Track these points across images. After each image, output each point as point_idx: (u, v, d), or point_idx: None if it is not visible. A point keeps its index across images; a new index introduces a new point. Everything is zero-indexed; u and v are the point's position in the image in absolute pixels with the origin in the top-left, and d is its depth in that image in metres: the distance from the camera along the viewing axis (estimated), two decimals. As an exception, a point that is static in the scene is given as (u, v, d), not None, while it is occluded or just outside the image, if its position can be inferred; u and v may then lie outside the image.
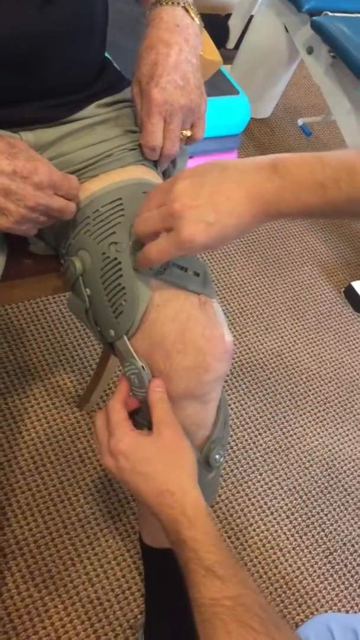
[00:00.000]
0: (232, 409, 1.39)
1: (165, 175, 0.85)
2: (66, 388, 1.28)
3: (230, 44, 2.30)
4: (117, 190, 0.73)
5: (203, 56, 0.80)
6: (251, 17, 2.15)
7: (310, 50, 1.85)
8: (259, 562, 1.19)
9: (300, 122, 2.07)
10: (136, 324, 0.69)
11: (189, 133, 0.78)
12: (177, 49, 0.73)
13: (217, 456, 0.75)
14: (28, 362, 1.29)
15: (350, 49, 1.66)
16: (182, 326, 0.68)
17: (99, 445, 0.70)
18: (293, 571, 1.20)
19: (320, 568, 1.22)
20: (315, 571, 1.21)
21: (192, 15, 0.76)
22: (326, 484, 1.35)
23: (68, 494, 1.14)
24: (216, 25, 2.28)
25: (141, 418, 0.74)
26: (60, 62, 0.72)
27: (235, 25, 2.24)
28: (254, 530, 1.23)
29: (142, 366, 0.69)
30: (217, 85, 1.81)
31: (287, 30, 1.97)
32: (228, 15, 2.28)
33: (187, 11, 0.76)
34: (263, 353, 1.53)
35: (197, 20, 0.77)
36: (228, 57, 2.24)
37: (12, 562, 1.04)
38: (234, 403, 1.41)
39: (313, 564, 1.22)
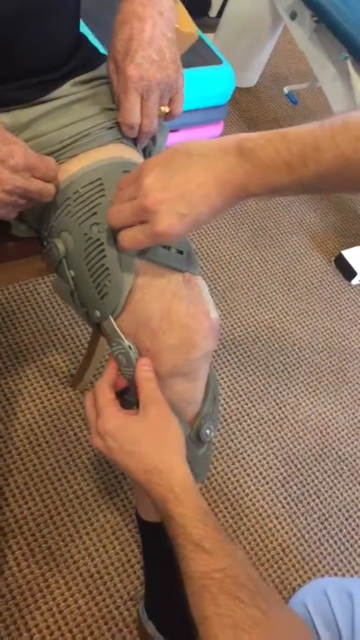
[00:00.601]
0: (224, 382, 1.40)
1: (145, 152, 0.84)
2: (59, 368, 1.28)
3: (213, 12, 2.26)
4: (97, 170, 0.72)
5: (178, 29, 0.79)
6: (233, -17, 2.11)
7: (293, 16, 1.82)
8: (256, 531, 1.21)
9: (286, 90, 2.05)
10: (121, 305, 0.69)
11: (167, 109, 0.77)
12: (151, 23, 0.72)
13: (207, 431, 0.76)
14: (20, 343, 1.29)
15: (333, 12, 1.64)
16: (167, 305, 0.68)
17: (89, 425, 0.71)
18: (289, 538, 1.22)
19: (316, 534, 1.25)
20: (311, 537, 1.24)
21: None
22: (320, 452, 1.37)
23: (65, 472, 1.16)
24: (198, -7, 2.24)
25: (130, 396, 0.74)
26: (31, 41, 0.71)
27: (217, -7, 2.20)
28: (250, 500, 1.25)
29: (129, 345, 0.70)
30: (200, 55, 1.78)
31: (269, -4, 1.93)
32: (210, -18, 2.24)
33: None
34: (254, 325, 1.54)
35: None
36: (211, 25, 2.21)
37: (12, 541, 1.06)
38: (227, 376, 1.42)
39: (309, 530, 1.25)
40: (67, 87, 0.77)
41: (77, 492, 1.14)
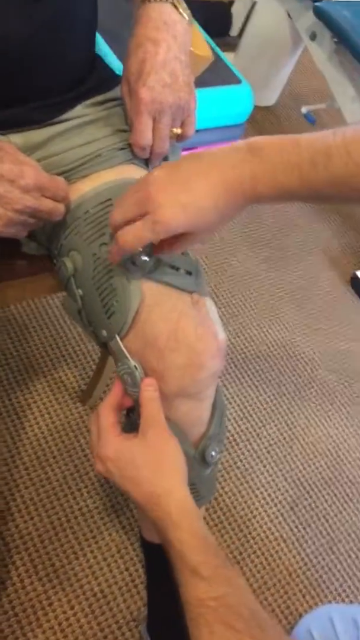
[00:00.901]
0: (235, 401, 1.40)
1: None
2: (69, 383, 1.29)
3: (234, 32, 2.27)
4: (107, 191, 0.73)
5: (193, 52, 0.80)
6: (254, 3, 2.12)
7: (313, 37, 1.83)
8: (262, 554, 1.20)
9: (304, 110, 2.05)
10: (128, 324, 0.69)
11: (179, 131, 0.77)
12: (165, 46, 0.73)
13: (213, 452, 0.75)
14: (31, 357, 1.30)
15: (353, 34, 1.64)
16: (174, 325, 0.68)
17: (91, 449, 0.71)
18: (297, 562, 1.21)
19: (324, 559, 1.23)
20: (319, 562, 1.22)
21: (181, 11, 0.76)
22: (330, 475, 1.35)
23: (71, 488, 1.15)
24: (219, 13, 2.26)
25: (136, 417, 0.74)
26: (45, 64, 0.72)
27: (238, 12, 2.21)
28: (257, 522, 1.23)
29: (135, 365, 0.69)
30: (219, 74, 1.79)
31: (290, 17, 1.94)
32: (231, 3, 2.25)
33: (176, 7, 0.75)
34: (267, 344, 1.53)
35: (185, 16, 0.76)
36: (232, 44, 2.22)
37: (16, 557, 1.06)
38: (237, 395, 1.41)
39: (317, 555, 1.23)
40: (80, 109, 0.78)
41: (82, 509, 1.14)
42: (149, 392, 0.69)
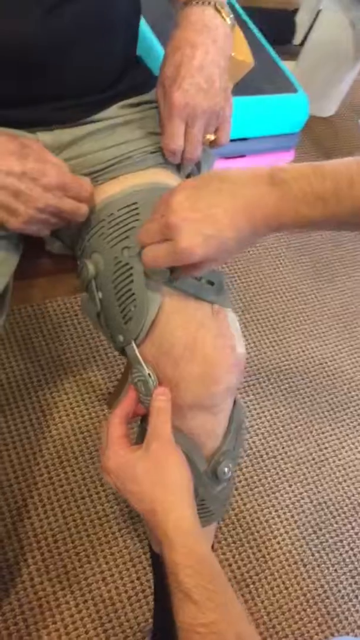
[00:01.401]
0: (265, 415, 1.36)
1: (189, 178, 0.83)
2: (97, 384, 1.28)
3: (297, 40, 2.24)
4: (134, 194, 0.72)
5: (233, 57, 0.77)
6: (318, 12, 2.08)
7: (376, 47, 1.78)
8: (280, 577, 1.16)
9: (362, 121, 2.00)
10: (145, 331, 0.68)
11: (212, 137, 0.75)
12: (203, 50, 0.71)
13: (225, 469, 0.73)
14: (62, 356, 1.30)
15: None
16: (192, 335, 0.67)
17: (100, 459, 0.70)
18: (316, 589, 1.16)
19: (345, 588, 1.18)
20: (339, 591, 1.17)
21: (224, 15, 0.74)
22: (359, 501, 1.30)
23: (90, 490, 1.15)
24: (283, 21, 2.23)
25: (147, 425, 0.73)
26: (78, 63, 0.71)
27: (302, 21, 2.18)
28: (278, 542, 1.20)
29: (149, 374, 0.68)
30: (276, 82, 1.76)
31: (353, 26, 1.89)
32: (296, 11, 2.22)
33: (219, 11, 0.73)
34: (303, 359, 1.49)
35: (228, 20, 0.74)
36: (294, 53, 2.19)
37: (28, 554, 1.06)
38: (268, 410, 1.37)
39: (338, 584, 1.18)
40: (114, 109, 0.77)
41: (99, 512, 1.13)
42: (159, 401, 0.67)
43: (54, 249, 0.80)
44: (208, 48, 0.71)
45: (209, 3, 0.73)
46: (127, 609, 1.05)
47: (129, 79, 0.79)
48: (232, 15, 0.75)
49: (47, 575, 1.05)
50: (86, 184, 0.69)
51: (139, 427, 0.79)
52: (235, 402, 0.76)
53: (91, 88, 0.75)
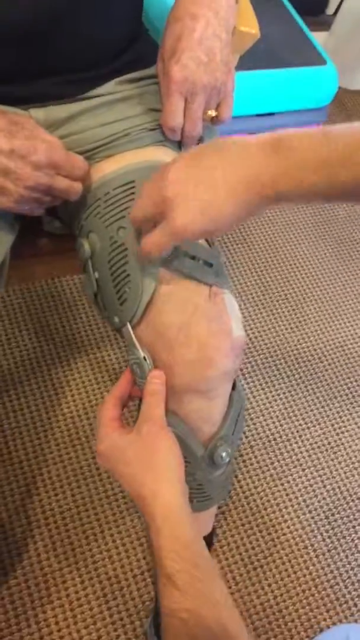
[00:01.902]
0: (281, 397, 1.34)
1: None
2: (110, 364, 1.28)
3: (330, 10, 2.15)
4: (131, 173, 0.70)
5: (237, 28, 0.74)
6: (353, -21, 2.00)
7: None
8: (289, 561, 1.15)
9: (395, 95, 1.92)
10: (139, 313, 0.67)
11: (214, 113, 0.72)
12: (204, 22, 0.68)
13: (223, 454, 0.72)
14: (75, 334, 1.30)
15: None
16: (187, 318, 0.65)
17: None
18: (325, 574, 1.15)
19: (355, 575, 1.16)
20: (349, 577, 1.15)
21: None
22: (375, 488, 1.28)
23: (99, 469, 1.15)
24: (316, -11, 2.15)
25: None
26: (72, 38, 0.69)
27: (336, -11, 2.09)
28: (288, 527, 1.18)
29: (144, 357, 0.67)
30: (304, 54, 1.70)
31: (388, -6, 1.81)
32: (330, -22, 2.13)
33: None
34: (323, 342, 1.46)
35: None
36: (327, 23, 2.11)
37: (36, 531, 1.07)
38: (284, 393, 1.35)
39: (348, 570, 1.16)
40: (111, 85, 0.75)
41: (108, 491, 1.13)
42: (153, 384, 0.66)
43: (52, 228, 0.79)
44: (209, 20, 0.68)
45: None
46: (132, 587, 1.05)
47: (130, 53, 0.77)
48: (238, -15, 0.72)
49: (53, 552, 1.06)
50: (80, 162, 0.67)
51: (137, 410, 0.78)
52: (235, 386, 0.75)
53: (87, 63, 0.72)
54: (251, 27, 0.76)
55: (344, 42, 2.00)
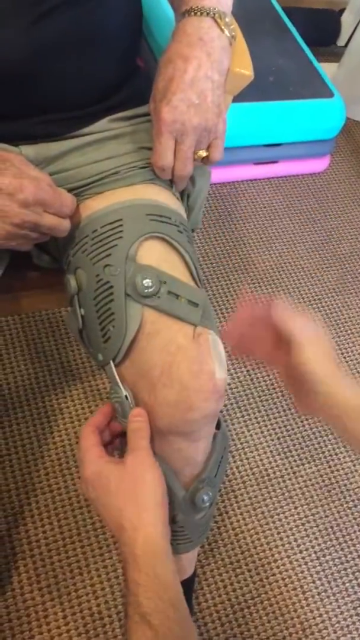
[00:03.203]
0: (276, 432, 1.32)
1: (184, 194, 0.80)
2: (105, 393, 1.27)
3: (342, 41, 2.17)
4: (119, 211, 0.70)
5: (232, 69, 0.74)
6: (365, 13, 2.01)
7: None
8: (277, 602, 1.12)
9: None
10: (122, 352, 0.66)
11: (204, 153, 0.72)
12: (196, 64, 0.68)
13: (204, 497, 0.70)
14: (72, 362, 1.29)
15: None
16: (169, 358, 0.64)
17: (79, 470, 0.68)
18: (314, 618, 1.12)
19: (345, 619, 1.13)
20: (339, 622, 1.13)
21: (222, 27, 0.70)
22: (369, 528, 1.25)
23: (87, 500, 1.14)
24: (328, 21, 2.16)
25: (123, 446, 0.71)
26: (61, 78, 0.69)
27: (347, 21, 2.11)
28: (278, 567, 1.16)
29: (126, 395, 0.66)
30: (312, 86, 1.71)
31: None
32: (342, 11, 2.15)
33: (217, 23, 0.70)
34: (322, 377, 1.44)
35: (227, 32, 0.71)
36: (338, 54, 2.12)
37: (20, 562, 1.06)
38: (279, 427, 1.33)
39: (338, 614, 1.13)
40: (104, 123, 0.75)
41: (95, 523, 1.12)
42: (135, 423, 0.66)
43: (41, 262, 0.79)
44: (201, 62, 0.68)
45: (207, 14, 0.70)
46: (115, 625, 1.03)
47: (124, 91, 0.77)
48: (232, 27, 0.72)
49: (37, 585, 1.04)
50: (68, 199, 0.67)
51: (120, 441, 0.77)
52: (219, 426, 0.73)
53: (78, 102, 0.73)
54: (246, 69, 0.75)
55: (354, 73, 2.00)
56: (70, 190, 0.71)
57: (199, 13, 0.70)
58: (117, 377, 0.67)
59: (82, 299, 0.70)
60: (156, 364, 0.65)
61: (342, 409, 0.62)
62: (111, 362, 0.67)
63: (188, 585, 0.92)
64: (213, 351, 0.67)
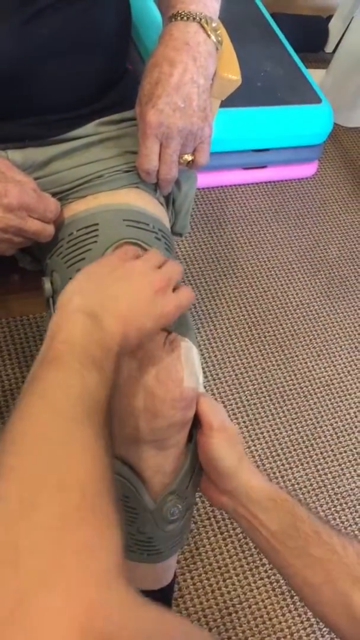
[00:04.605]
0: (264, 436, 1.32)
1: (168, 198, 0.80)
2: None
3: (329, 47, 2.18)
4: (97, 215, 0.69)
5: (219, 74, 0.74)
6: (352, 19, 2.02)
7: None
8: (265, 607, 1.12)
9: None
10: None
11: (190, 157, 0.72)
12: (182, 68, 0.68)
13: (172, 510, 0.68)
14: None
15: None
16: (137, 365, 0.63)
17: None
18: (302, 622, 1.12)
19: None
20: (326, 627, 1.12)
21: (208, 32, 0.70)
22: (357, 532, 1.25)
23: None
24: (316, 28, 2.18)
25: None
26: (51, 80, 0.69)
27: (335, 28, 2.12)
28: (266, 571, 1.16)
29: None
30: (299, 92, 1.72)
31: (386, 35, 1.83)
32: (330, 17, 2.16)
33: (204, 28, 0.70)
34: (310, 380, 1.44)
35: (213, 37, 0.71)
36: (326, 61, 2.13)
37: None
38: (268, 431, 1.33)
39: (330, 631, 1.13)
40: (91, 127, 0.75)
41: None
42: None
43: (25, 264, 0.79)
44: (187, 66, 0.68)
45: (194, 19, 0.70)
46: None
47: (112, 95, 0.77)
48: (219, 32, 0.72)
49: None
50: (52, 204, 0.67)
51: None
52: (192, 438, 0.72)
53: (67, 104, 0.73)
54: (233, 73, 0.76)
55: (342, 80, 2.02)
56: (54, 195, 0.71)
57: (185, 18, 0.70)
58: None
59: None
60: (123, 371, 0.64)
61: (243, 489, 0.66)
62: None
63: (166, 593, 0.90)
64: (184, 359, 0.65)
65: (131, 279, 0.59)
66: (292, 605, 1.13)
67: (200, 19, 0.70)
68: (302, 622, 1.12)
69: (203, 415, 0.67)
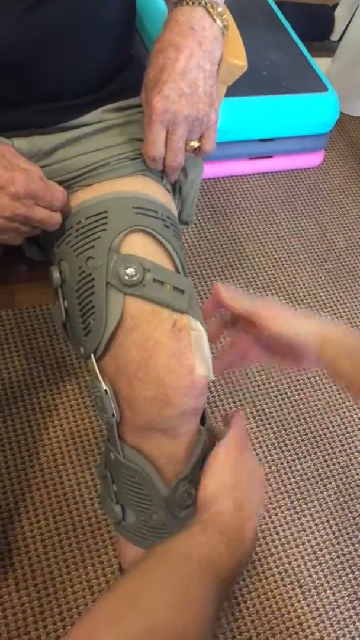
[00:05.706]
0: (272, 427, 1.32)
1: (175, 186, 0.80)
2: (99, 388, 1.26)
3: (335, 36, 2.17)
4: (105, 203, 0.69)
5: (225, 59, 0.73)
6: (358, 7, 2.00)
7: None
8: (274, 597, 1.12)
9: None
10: (102, 346, 0.65)
11: (196, 144, 0.72)
12: (188, 53, 0.67)
13: (185, 495, 0.69)
14: (66, 357, 1.29)
15: None
16: (147, 354, 0.63)
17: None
18: (310, 612, 1.12)
19: (342, 613, 1.13)
20: (336, 615, 1.13)
21: (214, 16, 0.70)
22: (365, 522, 1.25)
23: (83, 496, 1.13)
24: (322, 16, 2.16)
25: (110, 444, 0.70)
26: (54, 67, 0.69)
27: (341, 16, 2.11)
28: (274, 561, 1.16)
29: (106, 390, 0.65)
30: (306, 81, 1.71)
31: (392, 23, 1.81)
32: (335, 6, 2.15)
33: (209, 12, 0.70)
34: (317, 371, 1.44)
35: (219, 22, 0.70)
36: (332, 49, 2.12)
37: (16, 558, 1.05)
38: (275, 422, 1.33)
39: (334, 608, 1.13)
40: (97, 114, 0.74)
41: (91, 519, 1.11)
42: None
43: (32, 254, 0.79)
44: (193, 51, 0.67)
45: (199, 3, 0.69)
46: (111, 620, 1.03)
47: (117, 82, 0.76)
48: (225, 16, 0.71)
49: (32, 581, 1.04)
50: (59, 192, 0.66)
51: (105, 455, 0.75)
52: (204, 423, 0.72)
53: (72, 92, 0.72)
54: (239, 59, 0.75)
55: (348, 69, 2.00)
56: (61, 183, 0.71)
57: (190, 3, 0.69)
58: (97, 371, 0.66)
59: (65, 291, 0.70)
60: (133, 359, 0.63)
61: (339, 349, 0.65)
62: (92, 355, 0.66)
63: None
64: (195, 346, 0.65)
65: None
66: (300, 595, 1.13)
67: (206, 4, 0.69)
68: (310, 612, 1.12)
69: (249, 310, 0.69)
